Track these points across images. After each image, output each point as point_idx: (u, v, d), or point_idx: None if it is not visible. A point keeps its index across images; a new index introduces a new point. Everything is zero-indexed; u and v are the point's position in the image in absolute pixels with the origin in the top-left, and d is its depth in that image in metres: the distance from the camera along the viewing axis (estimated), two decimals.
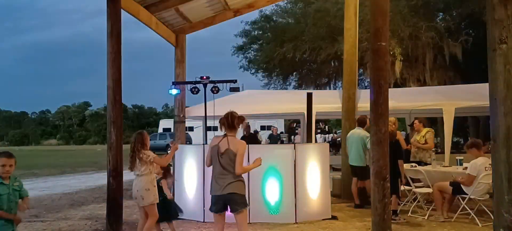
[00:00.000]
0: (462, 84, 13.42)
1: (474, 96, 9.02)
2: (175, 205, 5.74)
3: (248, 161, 6.37)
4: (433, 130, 8.83)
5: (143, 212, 5.10)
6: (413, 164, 7.59)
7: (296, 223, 6.45)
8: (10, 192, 3.91)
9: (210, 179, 4.36)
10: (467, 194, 6.27)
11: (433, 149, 8.34)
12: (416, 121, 8.58)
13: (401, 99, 9.53)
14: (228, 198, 4.18)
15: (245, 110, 10.98)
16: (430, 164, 7.65)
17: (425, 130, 8.34)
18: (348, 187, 8.15)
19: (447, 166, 7.71)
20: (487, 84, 3.66)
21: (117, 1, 6.17)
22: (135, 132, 5.22)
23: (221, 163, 4.21)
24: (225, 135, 4.31)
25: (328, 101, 9.85)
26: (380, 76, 5.03)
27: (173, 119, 10.08)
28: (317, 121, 13.72)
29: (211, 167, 4.37)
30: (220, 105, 8.97)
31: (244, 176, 6.38)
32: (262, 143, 16.19)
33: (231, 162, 4.18)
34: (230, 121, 4.27)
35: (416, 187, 7.16)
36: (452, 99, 9.06)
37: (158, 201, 5.09)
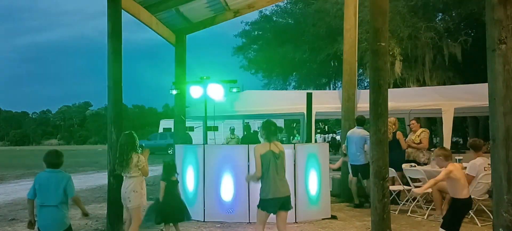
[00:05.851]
0: (461, 84, 13.43)
1: (473, 96, 9.04)
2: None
3: (248, 159, 6.42)
4: (428, 130, 8.87)
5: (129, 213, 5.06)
6: (413, 164, 7.61)
7: (296, 222, 6.46)
8: None
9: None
10: None
11: (432, 149, 8.34)
12: (413, 121, 8.62)
13: (401, 100, 9.54)
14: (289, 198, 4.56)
15: (245, 111, 11.06)
16: (425, 164, 7.65)
17: (420, 130, 8.37)
18: (348, 187, 8.17)
19: None
20: (486, 84, 3.67)
21: (118, 1, 6.18)
22: (123, 133, 5.10)
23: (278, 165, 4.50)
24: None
25: (327, 102, 9.87)
26: (379, 77, 5.04)
27: (173, 119, 10.09)
28: (317, 121, 13.71)
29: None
30: (220, 106, 9.00)
31: (243, 176, 6.48)
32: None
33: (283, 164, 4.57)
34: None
35: (416, 186, 7.16)
36: (451, 100, 9.08)
37: (145, 204, 5.05)
